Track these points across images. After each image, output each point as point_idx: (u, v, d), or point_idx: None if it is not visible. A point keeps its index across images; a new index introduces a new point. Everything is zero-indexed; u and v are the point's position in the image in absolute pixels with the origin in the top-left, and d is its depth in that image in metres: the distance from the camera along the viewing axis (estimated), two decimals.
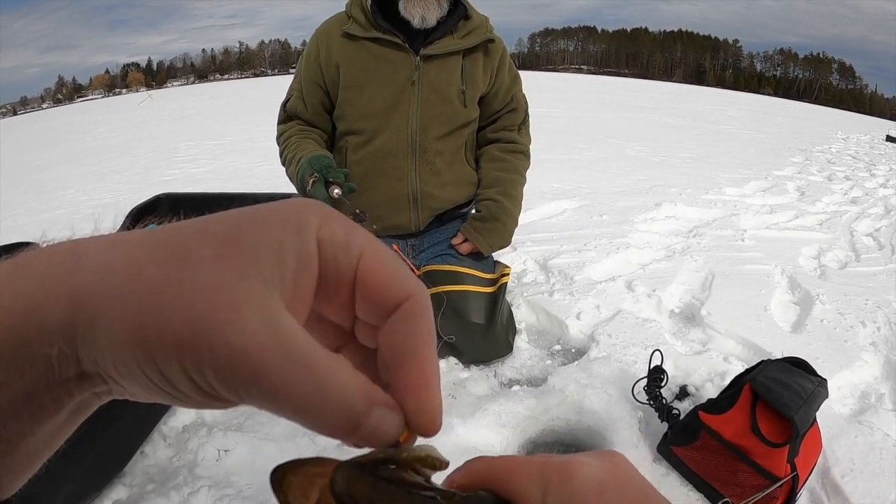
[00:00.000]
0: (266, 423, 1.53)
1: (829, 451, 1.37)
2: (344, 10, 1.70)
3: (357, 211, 1.54)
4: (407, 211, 1.77)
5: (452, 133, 1.75)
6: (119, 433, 1.30)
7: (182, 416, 1.54)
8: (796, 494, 1.18)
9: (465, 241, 1.76)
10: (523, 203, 1.87)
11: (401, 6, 1.55)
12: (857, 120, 24.03)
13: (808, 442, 1.20)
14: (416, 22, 1.56)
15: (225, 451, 1.42)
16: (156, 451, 1.43)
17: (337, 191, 1.44)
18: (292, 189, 2.00)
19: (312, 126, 1.77)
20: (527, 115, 1.90)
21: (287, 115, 1.79)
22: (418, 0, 1.54)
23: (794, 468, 1.15)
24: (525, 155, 1.87)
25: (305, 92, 1.72)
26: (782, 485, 1.14)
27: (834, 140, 10.85)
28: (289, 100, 1.78)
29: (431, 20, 1.57)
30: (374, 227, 1.64)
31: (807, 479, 1.23)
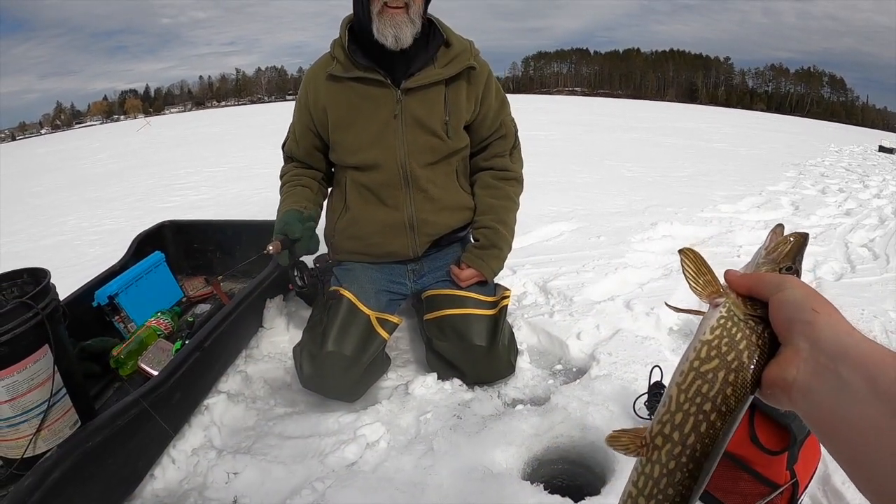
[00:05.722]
0: (274, 445, 1.55)
1: (828, 459, 1.38)
2: (329, 50, 1.74)
3: (299, 274, 1.84)
4: (404, 237, 1.80)
5: (440, 161, 1.77)
6: (128, 455, 1.31)
7: (191, 439, 1.56)
8: (797, 501, 1.21)
9: (466, 268, 1.79)
10: (520, 227, 1.90)
11: (374, 30, 1.56)
12: (850, 131, 24.25)
13: (807, 449, 1.22)
14: (389, 43, 1.56)
15: (234, 473, 1.44)
16: (165, 474, 1.44)
17: (270, 248, 1.57)
18: None
19: (307, 166, 1.87)
20: (517, 139, 1.92)
21: (286, 156, 1.91)
22: (389, 19, 1.54)
23: (793, 475, 1.17)
24: (518, 181, 1.90)
25: (298, 135, 1.82)
26: (783, 492, 1.16)
27: (827, 153, 10.95)
28: (286, 142, 1.89)
29: (405, 39, 1.57)
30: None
31: (807, 485, 1.25)
